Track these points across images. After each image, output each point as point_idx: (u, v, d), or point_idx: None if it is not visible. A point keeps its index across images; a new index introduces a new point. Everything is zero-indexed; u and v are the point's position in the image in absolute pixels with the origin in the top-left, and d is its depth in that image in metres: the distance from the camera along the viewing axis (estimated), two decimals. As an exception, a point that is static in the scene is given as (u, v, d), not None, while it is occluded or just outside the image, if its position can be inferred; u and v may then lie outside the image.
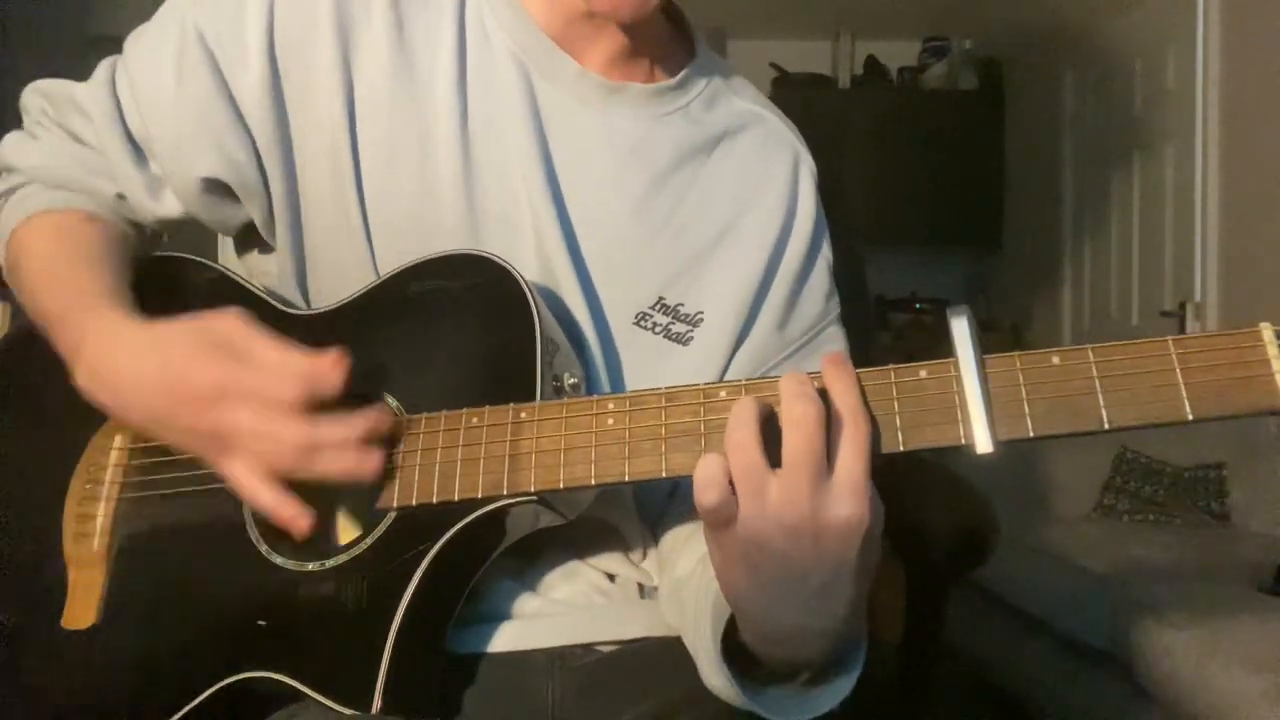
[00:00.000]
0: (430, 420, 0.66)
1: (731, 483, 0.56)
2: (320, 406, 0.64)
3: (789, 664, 0.65)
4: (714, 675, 0.65)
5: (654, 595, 0.80)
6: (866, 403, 0.57)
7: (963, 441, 0.55)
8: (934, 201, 4.67)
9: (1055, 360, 0.55)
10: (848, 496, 0.55)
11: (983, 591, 2.56)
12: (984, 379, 0.55)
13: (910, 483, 1.19)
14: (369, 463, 0.65)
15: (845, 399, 0.57)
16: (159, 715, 0.68)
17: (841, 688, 0.64)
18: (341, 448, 0.64)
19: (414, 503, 0.65)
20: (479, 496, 0.63)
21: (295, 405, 0.64)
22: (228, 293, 0.80)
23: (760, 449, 0.55)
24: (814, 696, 0.66)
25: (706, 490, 0.56)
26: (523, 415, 0.63)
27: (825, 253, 0.87)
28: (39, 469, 0.78)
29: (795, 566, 0.57)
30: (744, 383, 0.60)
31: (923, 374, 0.57)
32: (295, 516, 0.65)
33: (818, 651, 0.63)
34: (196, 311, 0.70)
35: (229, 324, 0.67)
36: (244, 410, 0.64)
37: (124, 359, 0.69)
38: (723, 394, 0.60)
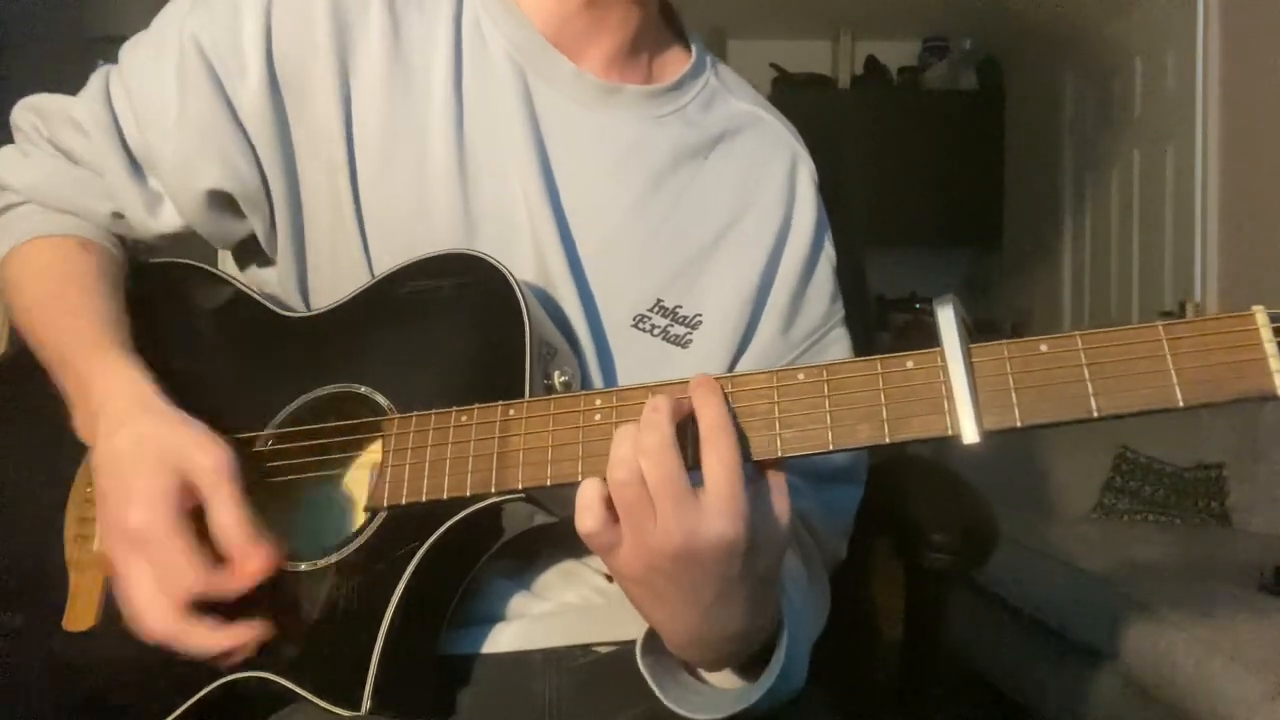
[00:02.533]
0: (420, 419, 0.66)
1: (613, 510, 0.57)
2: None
3: (705, 663, 0.66)
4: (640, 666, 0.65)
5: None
6: (733, 415, 0.57)
7: (949, 432, 0.54)
8: (934, 201, 4.66)
9: (1043, 348, 0.54)
10: (718, 516, 0.55)
11: (983, 591, 2.55)
12: (970, 368, 0.54)
13: (909, 483, 1.18)
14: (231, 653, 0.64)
15: (705, 413, 0.57)
16: (155, 717, 0.68)
17: (764, 683, 0.63)
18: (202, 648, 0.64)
19: (403, 501, 0.65)
20: (467, 495, 0.63)
21: (178, 593, 0.63)
22: (226, 297, 0.80)
23: (642, 484, 0.55)
24: (739, 692, 0.65)
25: (583, 515, 0.57)
26: (510, 413, 0.63)
27: (828, 253, 0.87)
28: (41, 473, 0.79)
29: (685, 584, 0.57)
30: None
31: (909, 364, 0.56)
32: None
33: (726, 652, 0.63)
34: (197, 317, 0.69)
35: (205, 467, 0.65)
36: (138, 558, 0.64)
37: (110, 423, 0.68)
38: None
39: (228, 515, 0.64)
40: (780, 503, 0.58)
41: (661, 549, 0.56)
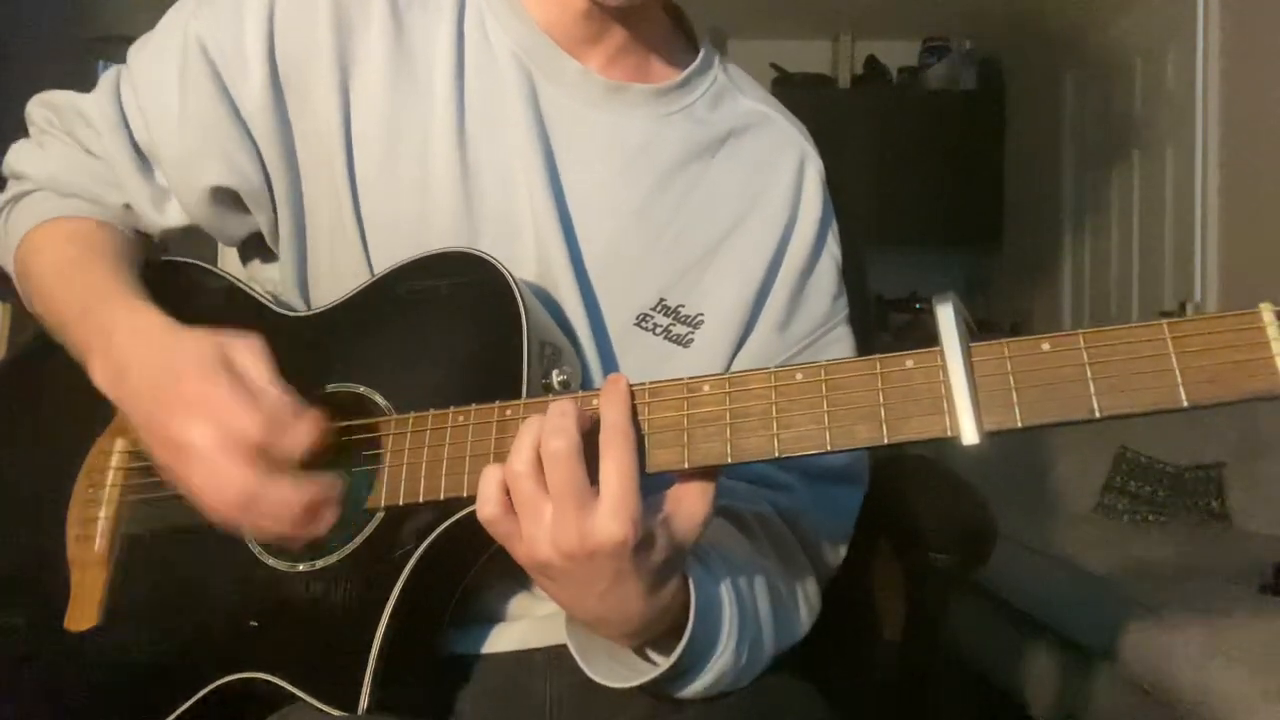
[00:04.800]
0: (417, 419, 0.66)
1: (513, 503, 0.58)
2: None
3: (617, 640, 0.66)
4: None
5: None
6: (635, 420, 0.59)
7: (949, 433, 0.53)
8: (934, 201, 4.66)
9: (1045, 346, 0.53)
10: (610, 519, 0.56)
11: (983, 591, 2.55)
12: (970, 367, 0.53)
13: (909, 482, 1.18)
14: (309, 529, 0.63)
15: (607, 418, 0.58)
16: (154, 717, 0.68)
17: (669, 661, 0.63)
18: (280, 508, 0.62)
19: (401, 502, 0.65)
20: (464, 496, 0.63)
21: (252, 448, 0.61)
22: (228, 295, 0.80)
23: (537, 479, 0.57)
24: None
25: (482, 503, 0.59)
26: (507, 414, 0.63)
27: (832, 252, 0.86)
28: (44, 472, 0.79)
29: (579, 577, 0.59)
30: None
31: (909, 364, 0.55)
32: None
33: (630, 630, 0.63)
34: (199, 314, 0.69)
35: (242, 349, 0.65)
36: (205, 429, 0.62)
37: (141, 352, 0.68)
38: (705, 388, 0.59)
39: (272, 386, 0.64)
40: (691, 509, 0.59)
41: (554, 543, 0.57)
